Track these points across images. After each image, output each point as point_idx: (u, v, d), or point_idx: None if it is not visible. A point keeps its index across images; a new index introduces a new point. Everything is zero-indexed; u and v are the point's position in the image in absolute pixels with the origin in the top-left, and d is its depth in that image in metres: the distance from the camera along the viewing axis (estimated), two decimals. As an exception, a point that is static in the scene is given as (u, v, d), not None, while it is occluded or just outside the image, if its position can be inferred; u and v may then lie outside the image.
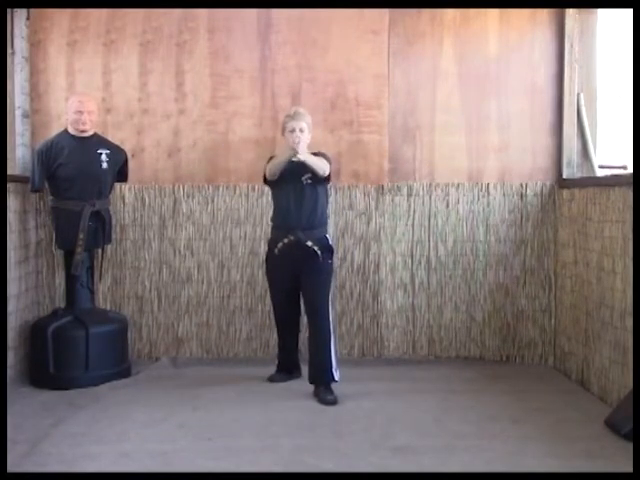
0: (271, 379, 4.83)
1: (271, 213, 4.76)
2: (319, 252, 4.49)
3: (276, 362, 4.92)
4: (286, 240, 4.53)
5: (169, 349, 5.45)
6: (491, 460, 3.48)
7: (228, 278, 5.44)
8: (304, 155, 4.44)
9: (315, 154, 4.60)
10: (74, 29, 5.34)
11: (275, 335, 5.00)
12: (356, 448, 3.65)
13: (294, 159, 4.45)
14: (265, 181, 4.69)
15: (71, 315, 4.87)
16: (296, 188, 4.54)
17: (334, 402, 4.35)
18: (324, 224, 4.65)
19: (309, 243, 4.49)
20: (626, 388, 3.95)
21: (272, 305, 4.89)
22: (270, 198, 4.79)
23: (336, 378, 4.50)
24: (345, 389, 4.50)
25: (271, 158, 4.72)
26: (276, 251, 4.58)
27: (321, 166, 4.51)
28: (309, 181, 4.53)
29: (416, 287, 5.45)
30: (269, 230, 4.81)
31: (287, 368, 4.87)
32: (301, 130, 4.51)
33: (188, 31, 5.37)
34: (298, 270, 4.55)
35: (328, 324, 4.53)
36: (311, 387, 4.52)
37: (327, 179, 4.60)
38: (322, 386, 4.45)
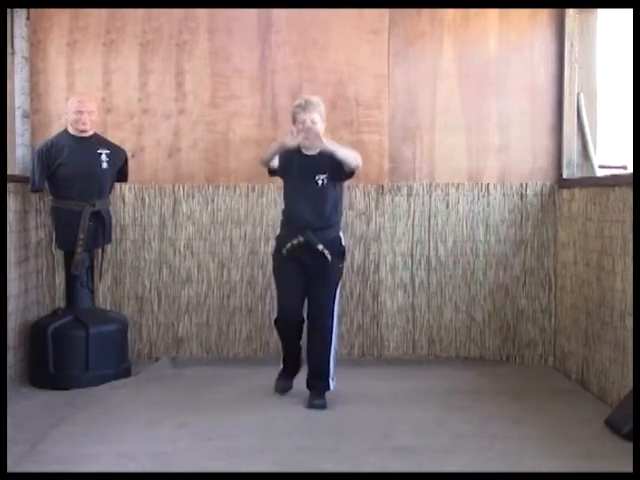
0: (278, 389, 4.55)
1: (281, 207, 4.52)
2: (329, 257, 4.22)
3: (280, 366, 4.61)
4: (295, 241, 4.24)
5: (169, 349, 5.45)
6: (491, 460, 3.48)
7: (228, 278, 5.44)
8: (333, 145, 4.13)
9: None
10: (74, 29, 5.34)
11: (275, 335, 4.89)
12: (356, 448, 3.65)
13: (309, 152, 4.19)
14: (269, 172, 4.39)
15: (71, 315, 4.87)
16: (309, 186, 4.23)
17: (323, 407, 4.24)
18: (338, 222, 4.37)
19: (320, 247, 4.21)
20: (626, 388, 3.95)
21: (277, 299, 4.48)
22: (270, 199, 4.74)
23: (331, 388, 4.34)
24: (345, 389, 4.49)
25: (285, 151, 4.32)
26: (284, 252, 4.30)
27: (352, 156, 4.18)
28: (325, 181, 4.22)
29: (416, 287, 5.44)
30: (269, 230, 4.79)
31: (291, 372, 4.59)
32: (313, 122, 4.18)
33: (188, 31, 5.37)
34: (306, 271, 4.28)
35: (331, 330, 4.31)
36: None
37: (352, 173, 4.28)
38: (315, 393, 4.33)
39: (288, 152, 4.30)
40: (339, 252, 4.34)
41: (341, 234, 4.41)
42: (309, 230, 4.22)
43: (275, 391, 4.55)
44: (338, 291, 4.38)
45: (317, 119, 4.21)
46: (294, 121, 4.27)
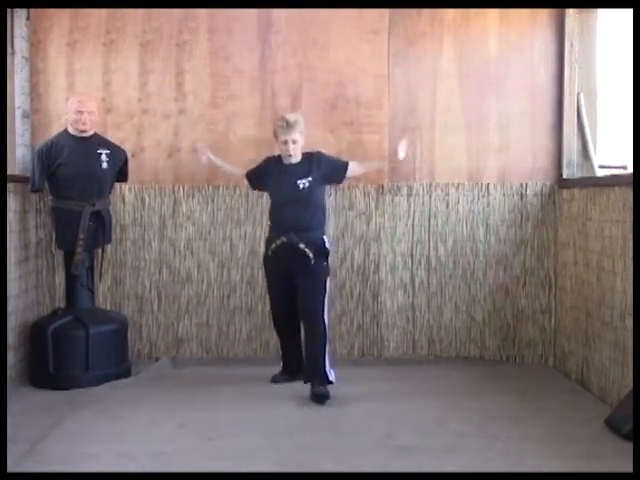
0: (274, 380, 4.81)
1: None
2: (311, 255, 4.45)
3: (281, 363, 4.90)
4: (279, 242, 4.52)
5: (169, 349, 5.45)
6: (491, 460, 3.48)
7: (228, 278, 5.44)
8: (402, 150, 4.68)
9: (309, 154, 4.60)
10: (74, 29, 5.34)
11: (275, 335, 4.99)
12: (356, 448, 3.66)
13: (290, 161, 4.57)
14: (251, 187, 4.89)
15: (71, 315, 4.87)
16: (291, 191, 4.52)
17: (327, 395, 4.33)
18: (321, 226, 4.62)
19: (301, 245, 4.45)
20: (626, 388, 3.95)
21: (270, 305, 4.88)
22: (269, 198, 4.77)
23: (330, 379, 4.45)
24: (345, 389, 4.49)
25: (268, 160, 4.75)
26: (269, 252, 4.59)
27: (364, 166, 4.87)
28: (306, 185, 4.51)
29: (416, 287, 5.44)
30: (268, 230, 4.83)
31: (290, 369, 4.83)
32: (294, 141, 4.51)
33: (188, 31, 5.37)
34: (292, 272, 4.51)
35: (323, 327, 4.48)
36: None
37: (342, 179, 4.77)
38: (315, 383, 4.42)
39: (268, 164, 4.70)
40: (322, 253, 4.53)
41: (325, 237, 4.60)
42: (292, 232, 4.46)
43: (271, 380, 4.82)
44: (327, 288, 4.54)
45: (297, 138, 4.53)
46: (276, 137, 4.59)
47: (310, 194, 4.53)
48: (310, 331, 4.50)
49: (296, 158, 4.58)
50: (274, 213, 4.64)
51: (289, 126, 4.49)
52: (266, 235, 4.80)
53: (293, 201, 4.51)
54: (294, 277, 4.52)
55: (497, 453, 3.57)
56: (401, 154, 4.68)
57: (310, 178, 4.53)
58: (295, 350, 4.78)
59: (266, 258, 4.68)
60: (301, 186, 4.51)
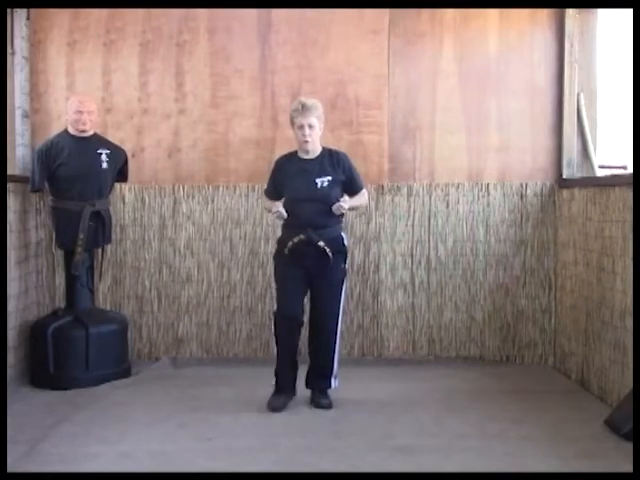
0: (274, 409, 4.23)
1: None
2: (331, 254, 4.21)
3: (273, 382, 4.36)
4: (296, 239, 4.21)
5: (169, 349, 5.45)
6: (491, 460, 3.48)
7: (228, 278, 5.44)
8: (346, 205, 4.23)
9: (332, 152, 4.37)
10: (74, 29, 5.35)
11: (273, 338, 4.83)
12: (356, 448, 3.65)
13: (307, 156, 4.29)
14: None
15: (71, 315, 4.87)
16: (309, 189, 4.24)
17: (329, 406, 4.27)
18: (338, 222, 4.35)
19: (321, 243, 4.19)
20: (626, 388, 3.95)
21: (277, 306, 4.34)
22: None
23: (333, 386, 4.37)
24: (345, 389, 4.48)
25: (277, 163, 4.43)
26: (286, 251, 4.24)
27: (363, 202, 4.52)
28: (325, 184, 4.25)
29: (416, 287, 5.44)
30: (269, 230, 4.81)
31: (286, 388, 4.35)
32: (310, 126, 4.21)
33: (188, 31, 5.37)
34: (309, 273, 4.26)
35: (336, 333, 4.32)
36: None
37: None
38: (318, 391, 4.36)
39: (279, 169, 4.40)
40: (340, 251, 4.32)
41: (343, 234, 4.40)
42: (310, 229, 4.22)
43: (269, 408, 4.24)
44: (343, 293, 4.36)
45: (314, 122, 4.25)
46: (292, 123, 4.31)
47: (329, 192, 4.24)
48: (321, 336, 4.32)
49: (314, 148, 4.30)
50: (289, 209, 4.26)
51: (305, 109, 4.20)
52: (279, 235, 4.46)
53: (311, 199, 4.22)
54: (310, 280, 4.27)
55: (497, 453, 3.57)
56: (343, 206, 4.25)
57: (330, 178, 4.26)
58: (292, 358, 4.35)
59: (280, 257, 4.32)
60: (320, 184, 4.23)
